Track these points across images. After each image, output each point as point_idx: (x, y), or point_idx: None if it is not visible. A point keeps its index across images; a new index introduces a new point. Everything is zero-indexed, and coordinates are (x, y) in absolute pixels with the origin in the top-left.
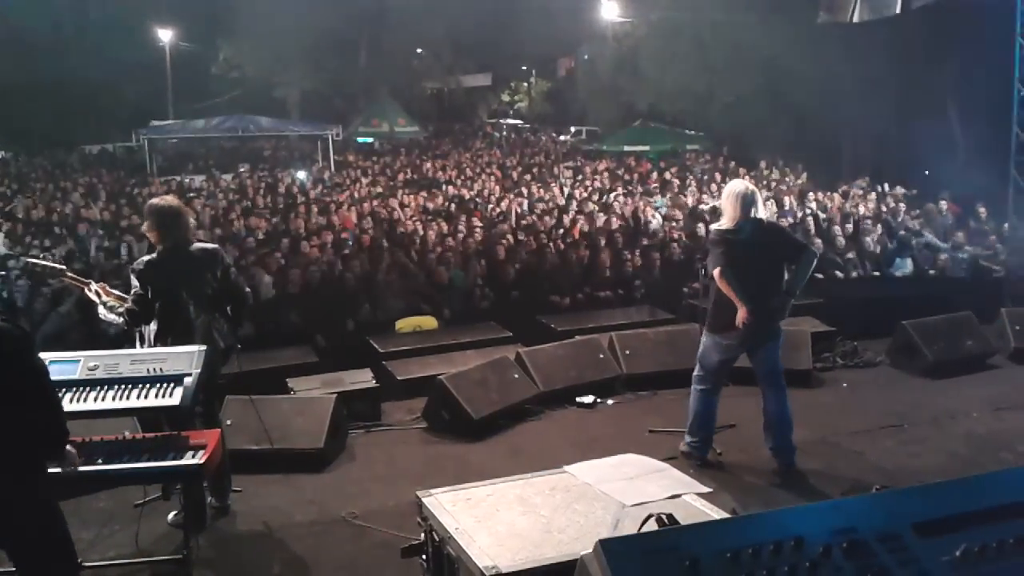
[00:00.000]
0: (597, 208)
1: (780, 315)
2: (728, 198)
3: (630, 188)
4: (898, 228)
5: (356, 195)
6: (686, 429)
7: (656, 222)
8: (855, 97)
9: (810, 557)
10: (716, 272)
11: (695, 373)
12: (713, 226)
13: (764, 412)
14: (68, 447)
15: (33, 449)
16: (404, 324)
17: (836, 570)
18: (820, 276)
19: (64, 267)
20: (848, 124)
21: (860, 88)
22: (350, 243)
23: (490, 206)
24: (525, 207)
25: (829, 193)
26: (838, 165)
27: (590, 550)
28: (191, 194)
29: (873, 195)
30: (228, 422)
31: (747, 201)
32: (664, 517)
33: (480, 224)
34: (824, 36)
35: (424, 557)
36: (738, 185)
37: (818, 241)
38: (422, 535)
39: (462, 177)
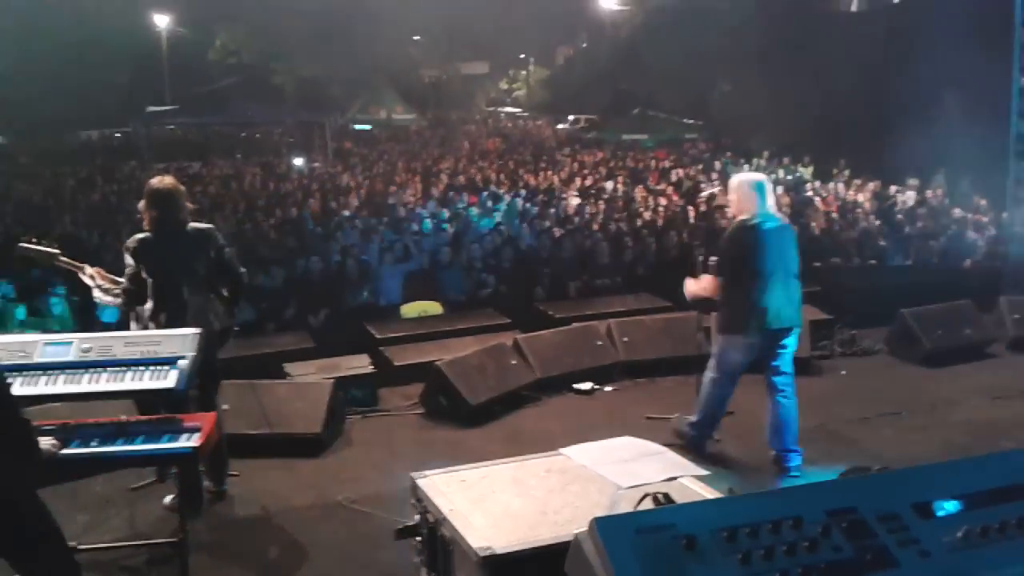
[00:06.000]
0: (595, 197)
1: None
2: (741, 189)
3: (628, 176)
4: (894, 216)
5: (354, 182)
6: (693, 416)
7: (652, 211)
8: (853, 86)
9: (809, 536)
10: (711, 277)
11: (710, 373)
12: (738, 219)
13: (771, 414)
14: (43, 443)
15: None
16: (410, 309)
17: (835, 549)
18: (818, 264)
19: (58, 251)
20: (847, 114)
21: (858, 77)
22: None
23: (486, 194)
24: (523, 195)
25: (827, 185)
26: (837, 154)
27: (583, 530)
28: (186, 180)
29: (871, 184)
30: (225, 406)
31: (763, 192)
32: (660, 496)
33: (480, 211)
34: (823, 24)
35: (418, 538)
36: (750, 176)
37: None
38: (416, 517)
39: (460, 164)
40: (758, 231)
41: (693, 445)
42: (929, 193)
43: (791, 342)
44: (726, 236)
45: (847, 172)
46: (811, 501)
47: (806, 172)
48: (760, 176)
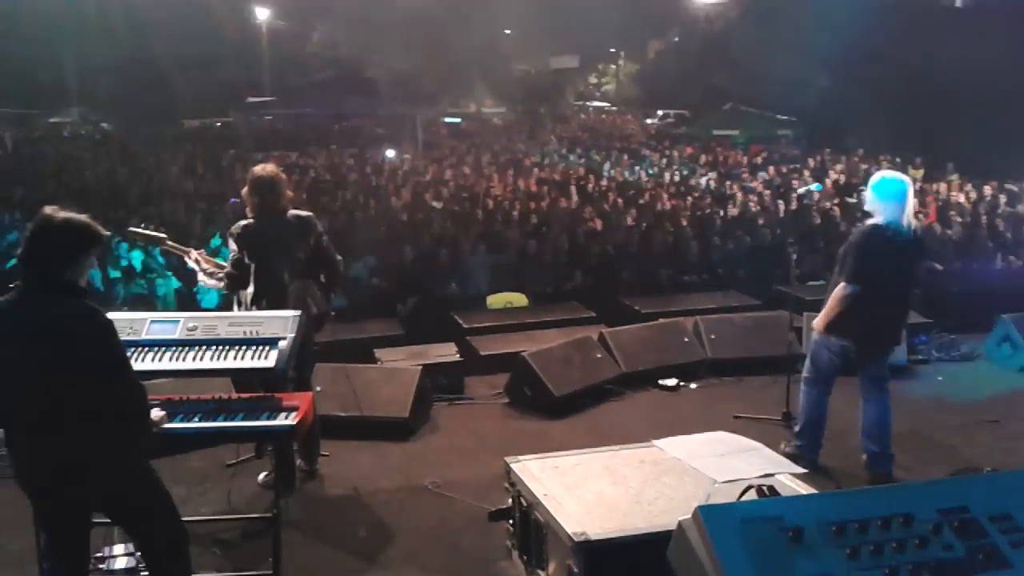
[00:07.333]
0: (684, 192)
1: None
2: (879, 190)
3: (720, 172)
4: (997, 219)
5: (445, 174)
6: (796, 426)
7: (742, 207)
8: (957, 84)
9: (919, 534)
10: (842, 285)
11: (805, 374)
12: (869, 221)
13: (864, 415)
14: (153, 413)
15: (120, 424)
16: (495, 300)
17: (946, 548)
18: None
19: (165, 236)
20: (949, 111)
21: (962, 74)
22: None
23: (573, 188)
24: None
25: (930, 185)
26: (940, 155)
27: (687, 517)
28: (281, 168)
29: (971, 186)
30: (318, 388)
31: (903, 196)
32: (765, 489)
33: (566, 205)
34: (926, 20)
35: (511, 521)
36: (892, 175)
37: None
38: (509, 500)
39: (548, 159)
40: (884, 239)
41: (804, 458)
42: None
43: (887, 351)
44: (852, 238)
45: (955, 176)
46: (922, 499)
47: (917, 174)
48: (903, 177)
